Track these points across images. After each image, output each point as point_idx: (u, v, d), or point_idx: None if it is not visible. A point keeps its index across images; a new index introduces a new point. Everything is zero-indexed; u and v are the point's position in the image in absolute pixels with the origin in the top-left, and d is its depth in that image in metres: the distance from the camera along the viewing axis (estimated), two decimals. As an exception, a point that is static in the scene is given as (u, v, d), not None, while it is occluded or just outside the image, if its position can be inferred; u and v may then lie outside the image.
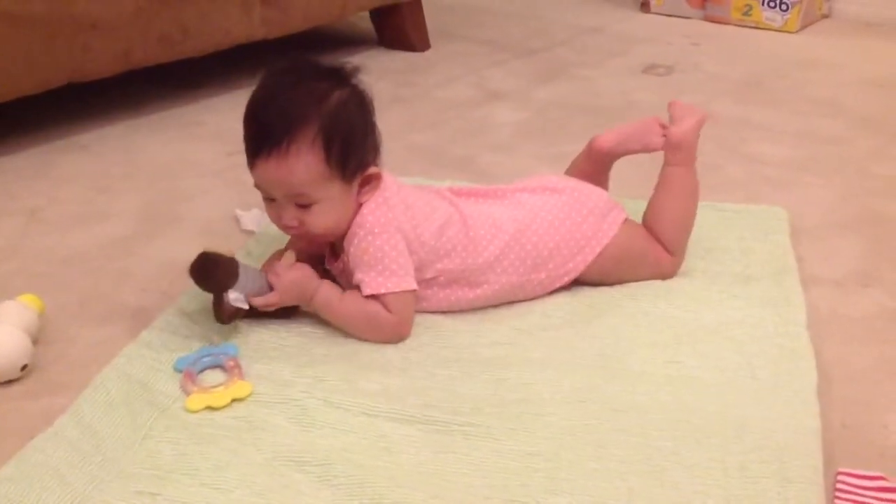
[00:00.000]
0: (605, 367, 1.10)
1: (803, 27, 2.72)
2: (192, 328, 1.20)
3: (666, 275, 1.29)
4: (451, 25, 2.77)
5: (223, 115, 2.01)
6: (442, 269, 1.20)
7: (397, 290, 1.16)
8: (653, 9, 2.93)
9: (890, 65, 2.42)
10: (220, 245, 1.16)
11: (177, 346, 1.16)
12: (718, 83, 2.27)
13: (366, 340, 1.16)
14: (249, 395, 1.06)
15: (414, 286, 1.17)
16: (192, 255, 1.41)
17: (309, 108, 1.11)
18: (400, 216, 1.18)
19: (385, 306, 1.16)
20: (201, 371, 1.12)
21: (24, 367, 1.12)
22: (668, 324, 1.19)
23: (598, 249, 1.26)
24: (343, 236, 1.19)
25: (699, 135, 1.33)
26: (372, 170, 1.17)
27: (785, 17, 2.69)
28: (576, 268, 1.26)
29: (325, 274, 1.24)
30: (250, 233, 1.49)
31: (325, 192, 1.13)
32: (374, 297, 1.16)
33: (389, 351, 1.15)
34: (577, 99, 2.17)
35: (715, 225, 1.44)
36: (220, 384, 1.08)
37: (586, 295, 1.26)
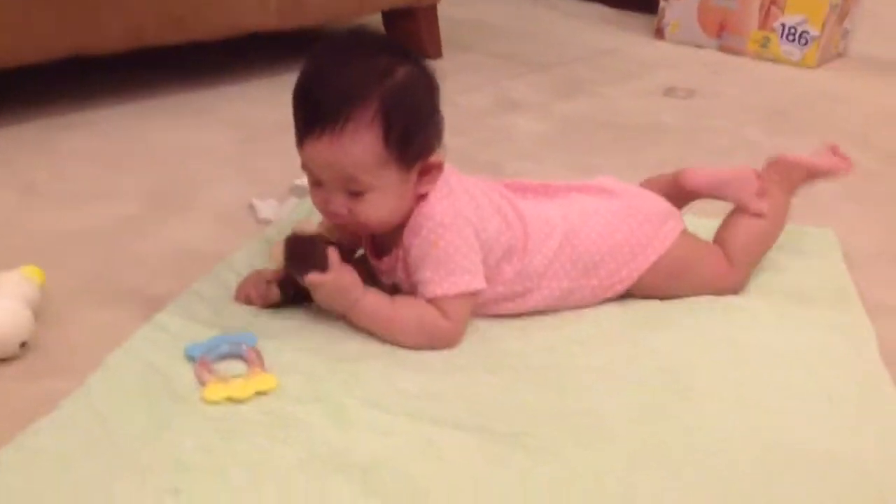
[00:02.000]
0: (669, 384, 1.00)
1: (821, 63, 2.67)
2: (210, 314, 1.09)
3: (723, 293, 1.20)
4: (463, 37, 2.68)
5: (237, 104, 1.92)
6: (498, 270, 1.10)
7: (468, 289, 1.05)
8: (667, 36, 2.87)
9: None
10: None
11: (194, 332, 1.04)
12: (743, 110, 2.20)
13: (408, 347, 1.04)
14: (275, 389, 0.95)
15: (483, 285, 1.07)
16: (205, 241, 1.32)
17: (370, 84, 0.98)
18: (468, 207, 1.07)
19: (444, 310, 1.05)
20: (217, 360, 1.01)
21: (23, 344, 1.00)
22: (730, 343, 1.09)
23: (652, 259, 1.16)
24: (393, 230, 1.08)
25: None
26: (434, 158, 1.05)
27: (804, 51, 2.63)
28: (629, 276, 1.16)
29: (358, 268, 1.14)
30: (267, 222, 1.39)
31: (381, 178, 1.01)
32: (434, 300, 1.05)
33: (429, 352, 1.04)
34: (600, 115, 2.08)
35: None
36: (240, 375, 0.97)
37: (639, 307, 1.16)
